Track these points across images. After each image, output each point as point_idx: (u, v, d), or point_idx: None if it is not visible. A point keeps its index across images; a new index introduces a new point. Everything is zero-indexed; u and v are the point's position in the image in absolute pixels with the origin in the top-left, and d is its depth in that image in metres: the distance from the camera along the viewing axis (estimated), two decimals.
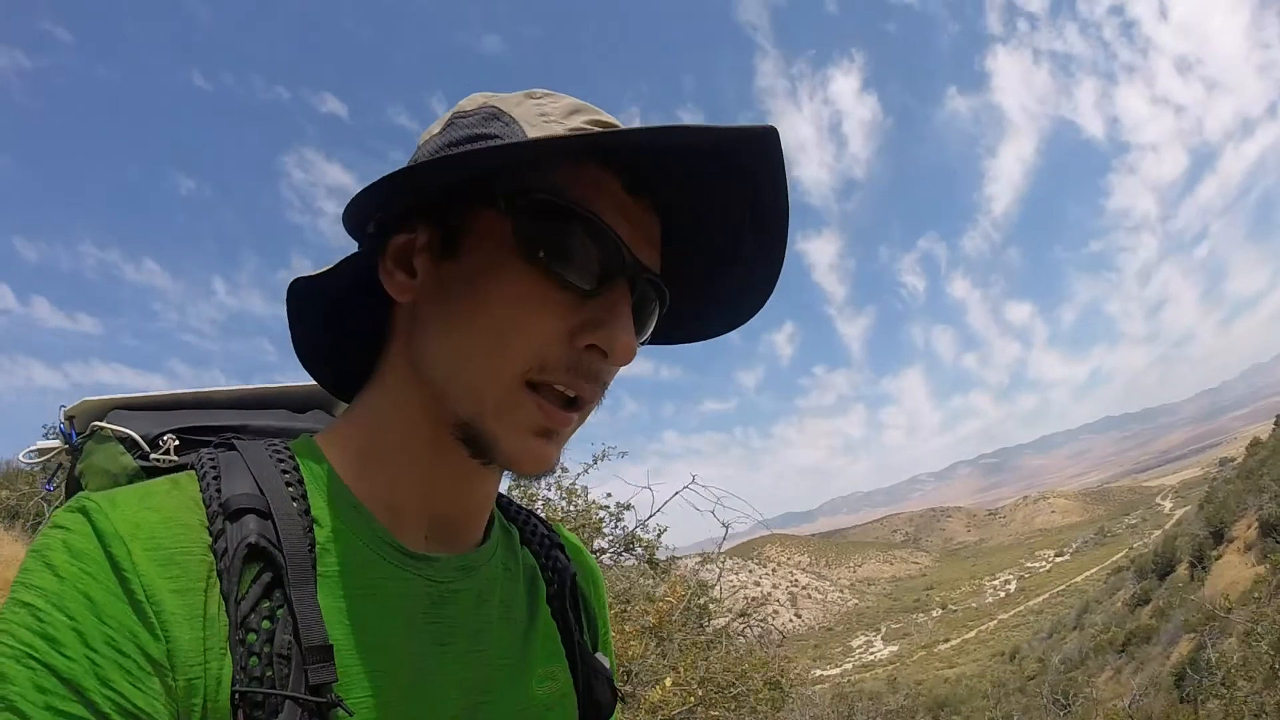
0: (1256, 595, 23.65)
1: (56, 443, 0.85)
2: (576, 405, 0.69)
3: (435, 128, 0.75)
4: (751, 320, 0.84)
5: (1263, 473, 38.33)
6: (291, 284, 0.75)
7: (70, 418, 0.84)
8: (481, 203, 0.68)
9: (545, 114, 0.70)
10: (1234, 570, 32.51)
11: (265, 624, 0.60)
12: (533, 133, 0.68)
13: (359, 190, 0.66)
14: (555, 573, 0.88)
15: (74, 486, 0.82)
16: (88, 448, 0.81)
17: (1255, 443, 47.47)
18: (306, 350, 0.80)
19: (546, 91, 0.73)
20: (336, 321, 0.78)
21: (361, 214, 0.71)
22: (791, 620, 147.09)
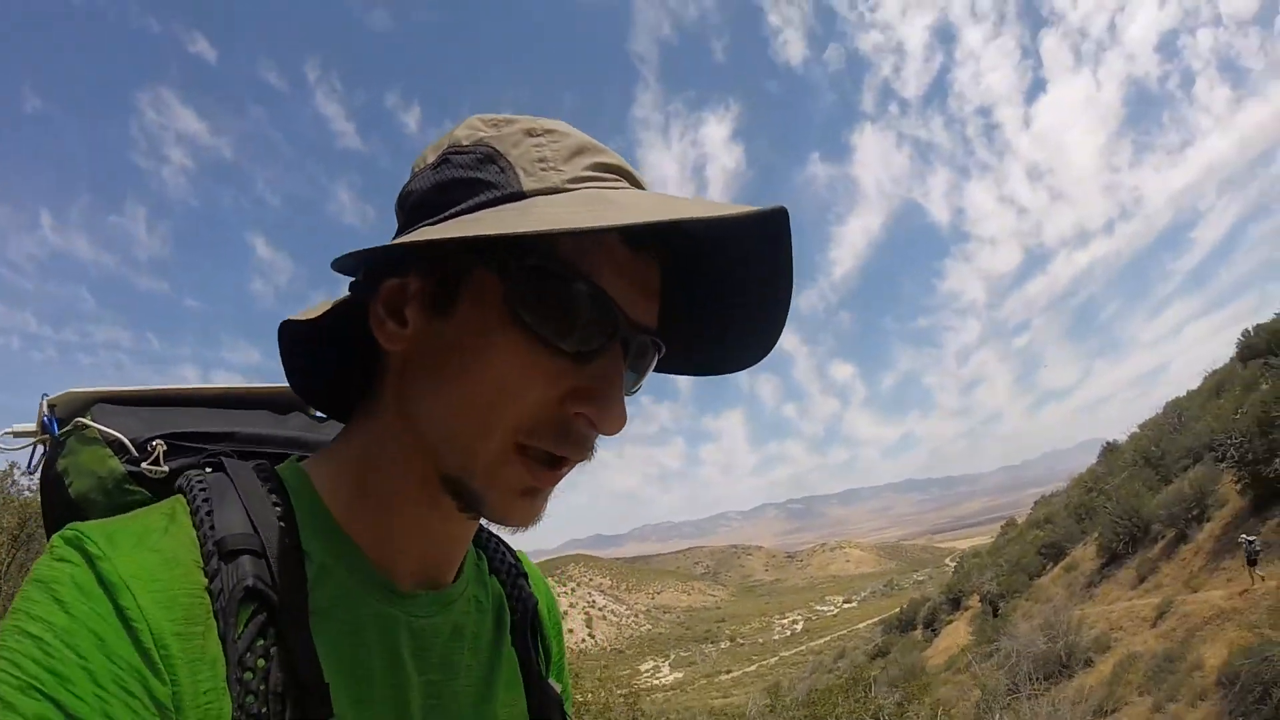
0: (958, 662, 28.56)
1: (33, 425, 0.87)
2: (561, 464, 0.71)
3: (430, 155, 0.75)
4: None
5: (1005, 551, 42.91)
6: (281, 326, 0.75)
7: (52, 406, 0.85)
8: (475, 258, 0.68)
9: (544, 159, 0.70)
10: (955, 636, 36.27)
11: (260, 662, 0.63)
12: (529, 182, 0.68)
13: (356, 250, 0.68)
14: (519, 602, 0.91)
15: (54, 481, 0.82)
16: (71, 444, 0.81)
17: (1010, 523, 53.12)
18: (302, 386, 0.81)
19: (550, 126, 0.72)
20: (325, 359, 0.79)
21: (355, 261, 0.72)
22: (584, 640, 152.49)
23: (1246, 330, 30.72)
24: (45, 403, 0.86)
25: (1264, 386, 22.11)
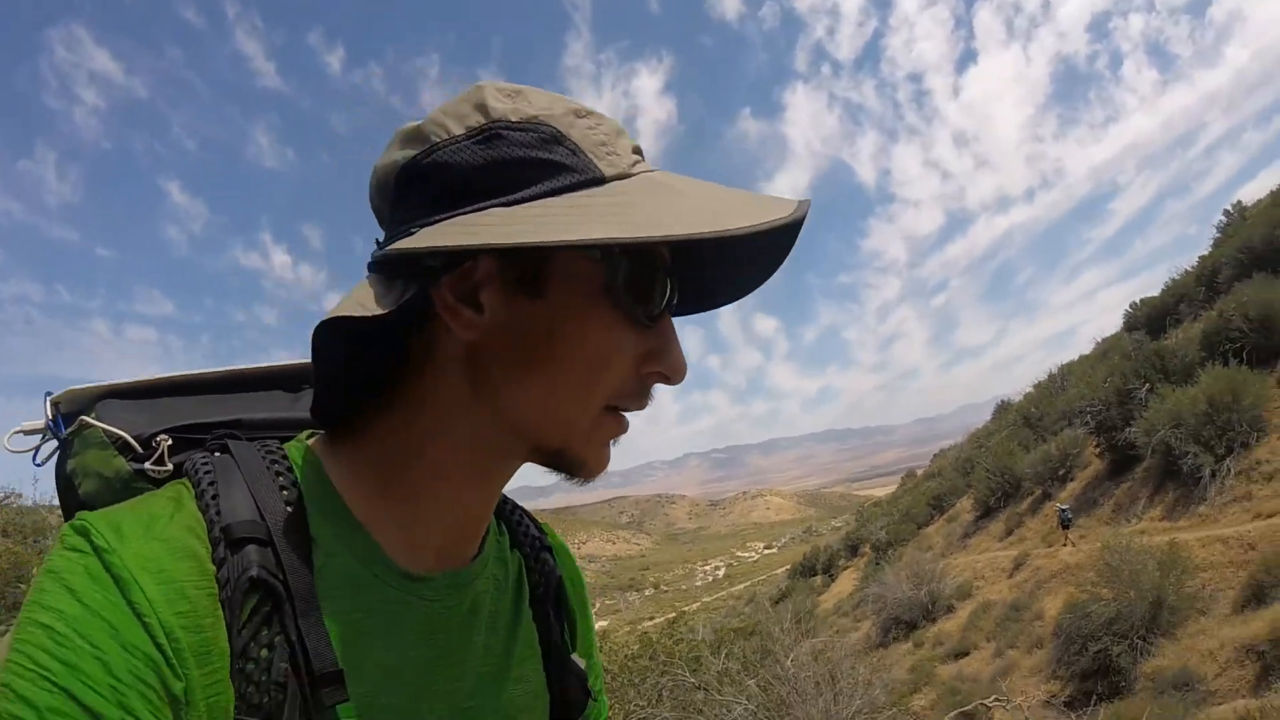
0: (844, 606, 30.31)
1: (41, 423, 0.83)
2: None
3: (456, 128, 0.68)
4: None
5: (901, 501, 44.90)
6: (323, 325, 0.67)
7: (56, 405, 0.83)
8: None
9: (604, 143, 0.70)
10: (848, 582, 37.88)
11: (264, 653, 0.62)
12: (603, 167, 0.68)
13: (441, 246, 0.63)
14: (542, 575, 0.90)
15: (65, 483, 0.79)
16: (78, 444, 0.78)
17: (910, 475, 55.86)
18: (326, 385, 0.73)
19: (587, 109, 0.72)
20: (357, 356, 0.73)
21: (428, 253, 0.66)
22: None
23: (1134, 302, 31.88)
24: (49, 402, 0.84)
25: (1126, 360, 23.49)
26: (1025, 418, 33.04)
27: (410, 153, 0.70)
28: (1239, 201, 30.37)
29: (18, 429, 0.84)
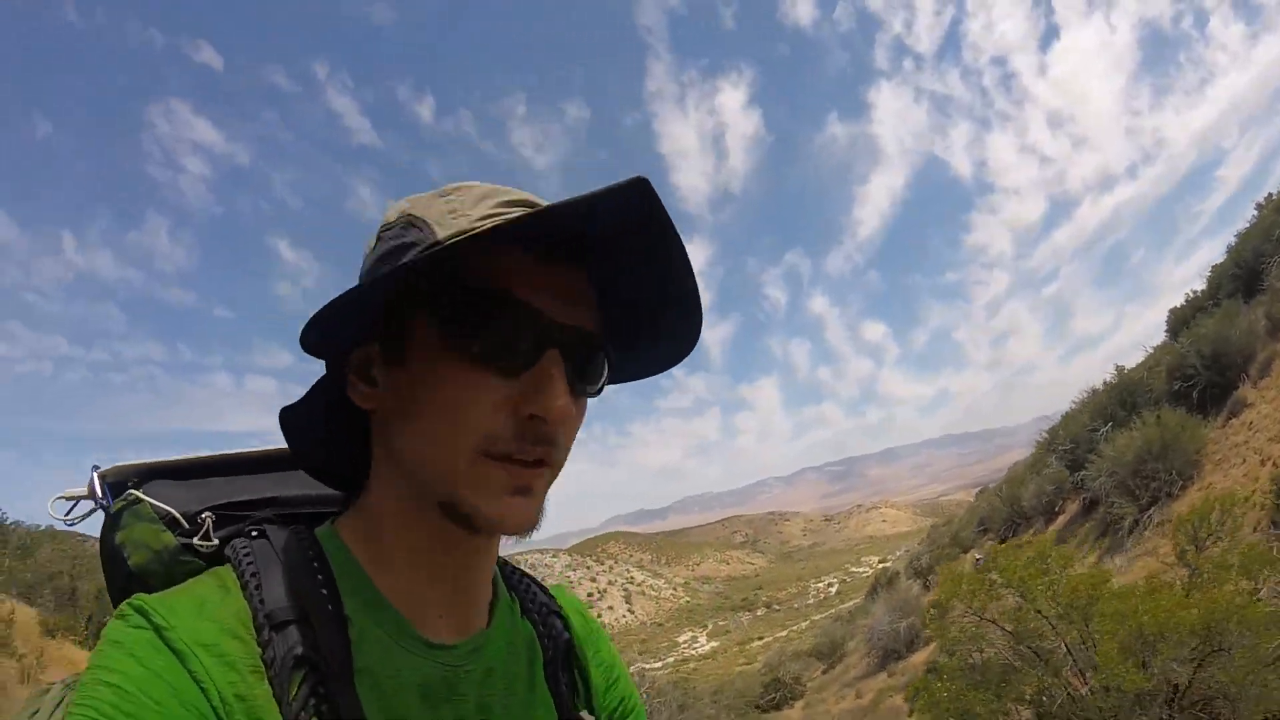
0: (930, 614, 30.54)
1: (82, 490, 0.90)
2: (540, 465, 0.75)
3: (370, 240, 0.81)
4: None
5: (956, 522, 43.68)
6: (281, 413, 0.81)
7: (103, 478, 0.89)
8: (414, 309, 0.74)
9: (453, 210, 0.76)
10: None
11: (313, 718, 0.67)
12: (441, 232, 0.74)
13: (308, 324, 0.72)
14: (551, 640, 0.93)
15: (114, 554, 0.86)
16: (126, 519, 0.85)
17: (984, 490, 54.75)
18: (315, 468, 0.86)
19: (458, 184, 0.79)
20: (327, 435, 0.84)
21: (325, 339, 0.77)
22: (624, 616, 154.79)
23: (1173, 308, 28.01)
24: (96, 475, 0.90)
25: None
26: (1048, 442, 30.60)
27: None
28: (1270, 195, 25.62)
29: (59, 495, 0.91)
